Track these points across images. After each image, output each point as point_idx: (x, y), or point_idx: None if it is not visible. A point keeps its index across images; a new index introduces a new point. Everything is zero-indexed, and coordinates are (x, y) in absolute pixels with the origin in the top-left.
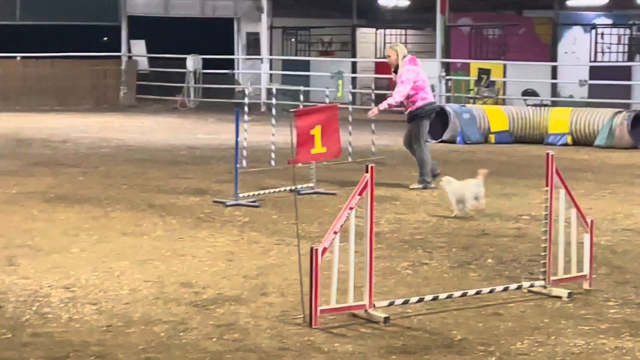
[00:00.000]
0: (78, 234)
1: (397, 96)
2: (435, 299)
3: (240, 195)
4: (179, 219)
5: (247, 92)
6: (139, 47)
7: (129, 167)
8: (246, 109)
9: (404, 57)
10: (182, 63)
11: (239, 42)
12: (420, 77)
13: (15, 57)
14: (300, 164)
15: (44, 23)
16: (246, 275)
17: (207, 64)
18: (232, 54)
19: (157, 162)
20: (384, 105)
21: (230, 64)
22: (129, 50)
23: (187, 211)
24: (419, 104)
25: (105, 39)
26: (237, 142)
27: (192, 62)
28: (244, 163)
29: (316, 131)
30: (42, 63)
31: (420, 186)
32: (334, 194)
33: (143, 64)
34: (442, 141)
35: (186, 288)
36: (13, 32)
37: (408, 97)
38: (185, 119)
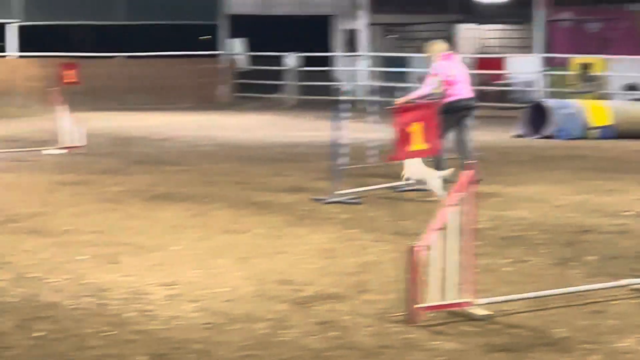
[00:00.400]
0: (179, 231)
1: (420, 90)
2: (536, 296)
3: (340, 192)
4: (279, 217)
5: (345, 89)
6: (239, 45)
7: (229, 164)
8: (345, 106)
9: (441, 53)
10: (281, 61)
11: (338, 40)
12: (453, 73)
13: (118, 56)
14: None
15: (147, 23)
16: (346, 273)
17: (306, 61)
18: (332, 51)
19: (256, 159)
20: (408, 97)
21: (329, 62)
22: (229, 49)
23: (286, 209)
24: (449, 99)
25: (205, 37)
26: (335, 139)
27: (292, 59)
28: (343, 160)
29: (414, 128)
30: (144, 62)
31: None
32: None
33: (242, 62)
34: (544, 137)
35: (286, 285)
36: (116, 31)
37: (443, 91)
38: (284, 116)
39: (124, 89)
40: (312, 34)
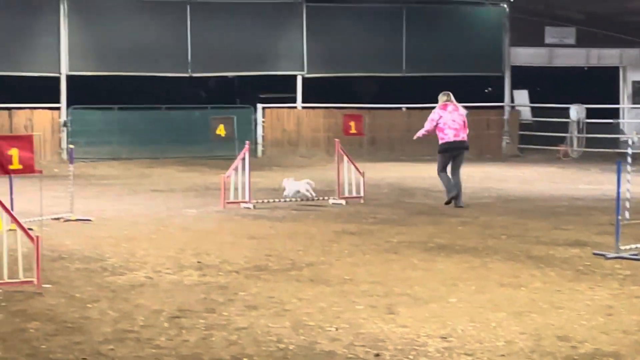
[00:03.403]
0: (456, 283)
1: (421, 130)
2: None
3: (622, 247)
4: (558, 271)
5: (631, 141)
6: (522, 97)
7: (509, 217)
8: (629, 159)
9: (441, 103)
10: (565, 112)
11: (625, 91)
12: (443, 120)
13: (400, 107)
14: None
15: (428, 74)
16: (626, 331)
17: (590, 113)
18: (617, 102)
19: (537, 212)
20: (417, 135)
21: (614, 113)
22: (512, 100)
23: (566, 263)
24: (439, 142)
25: (488, 89)
26: (618, 193)
27: (576, 111)
28: (627, 215)
29: None
30: (426, 113)
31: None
32: None
33: (526, 113)
34: None
35: (563, 342)
36: (399, 83)
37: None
38: (567, 169)
39: (406, 140)
40: (596, 85)
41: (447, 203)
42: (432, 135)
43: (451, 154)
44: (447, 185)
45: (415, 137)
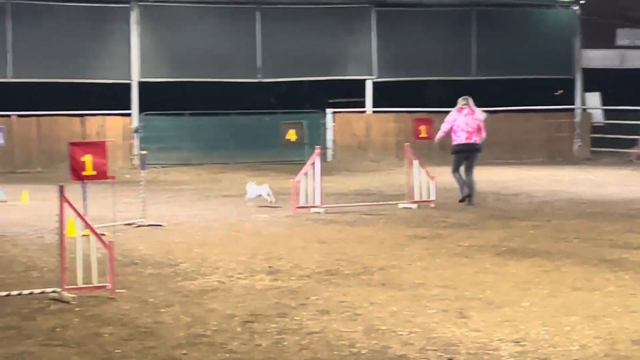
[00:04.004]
0: (528, 287)
1: (439, 131)
2: None
3: None
4: (632, 274)
5: None
6: (594, 99)
7: (581, 220)
8: None
9: (458, 106)
10: (637, 115)
11: None
12: (456, 123)
13: None
14: None
15: (499, 77)
16: None
17: None
18: None
19: (610, 215)
20: (436, 138)
21: None
22: (583, 103)
23: None
24: (452, 143)
25: (559, 92)
26: None
27: None
28: None
29: None
30: (496, 117)
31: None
32: None
33: (597, 116)
34: None
35: (638, 346)
36: (469, 86)
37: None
38: None
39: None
40: None
41: (461, 201)
42: (449, 135)
43: (462, 155)
44: (459, 184)
45: (436, 141)
